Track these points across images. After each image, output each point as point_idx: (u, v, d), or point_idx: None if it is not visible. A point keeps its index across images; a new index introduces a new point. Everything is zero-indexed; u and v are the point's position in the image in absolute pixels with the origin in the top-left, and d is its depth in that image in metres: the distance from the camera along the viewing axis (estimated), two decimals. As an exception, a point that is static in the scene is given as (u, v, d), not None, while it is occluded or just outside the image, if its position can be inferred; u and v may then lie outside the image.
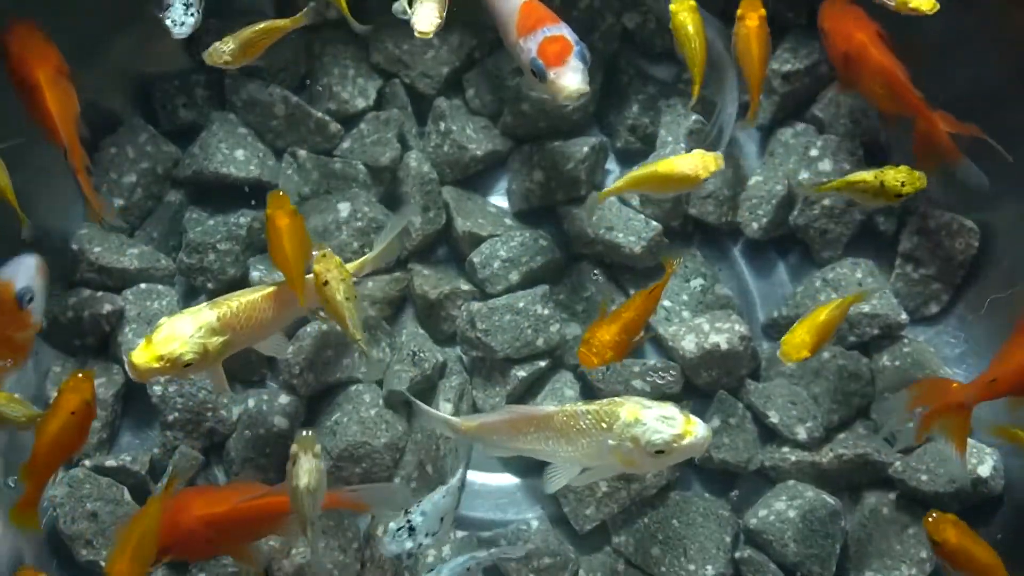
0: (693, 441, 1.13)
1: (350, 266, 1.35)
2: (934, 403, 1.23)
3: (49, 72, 1.29)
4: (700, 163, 1.30)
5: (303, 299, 1.24)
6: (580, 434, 1.18)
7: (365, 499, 1.28)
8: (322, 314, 1.36)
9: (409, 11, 1.30)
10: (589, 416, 1.17)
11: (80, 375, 1.21)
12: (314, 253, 1.24)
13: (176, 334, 1.16)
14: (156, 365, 1.15)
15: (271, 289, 1.27)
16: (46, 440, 1.19)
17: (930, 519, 1.22)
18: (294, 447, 1.15)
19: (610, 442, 1.15)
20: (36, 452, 1.20)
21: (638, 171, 1.35)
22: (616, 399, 1.17)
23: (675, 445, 1.13)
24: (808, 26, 1.52)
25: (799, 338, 1.26)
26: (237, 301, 1.22)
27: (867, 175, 1.33)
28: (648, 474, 1.38)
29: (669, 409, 1.14)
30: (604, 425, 1.16)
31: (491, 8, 1.40)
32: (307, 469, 1.14)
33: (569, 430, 1.18)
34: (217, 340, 1.19)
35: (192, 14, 1.31)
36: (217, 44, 1.31)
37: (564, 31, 1.26)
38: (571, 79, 1.23)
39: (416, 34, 1.27)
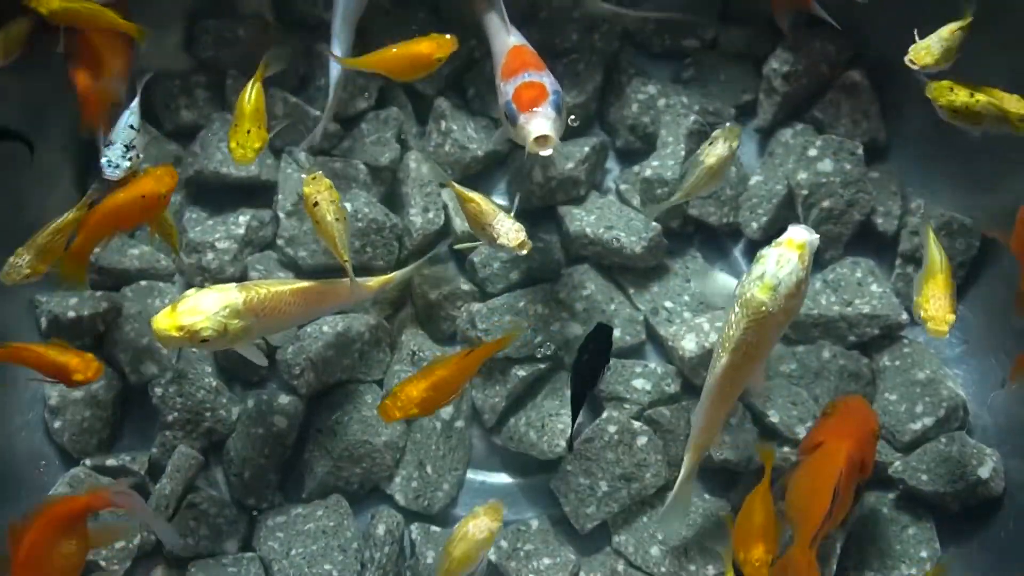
0: (810, 247, 1.16)
1: (374, 281, 1.38)
2: None
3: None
4: None
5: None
6: (762, 341, 1.18)
7: (134, 509, 1.27)
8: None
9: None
10: (744, 330, 1.16)
11: (169, 170, 1.27)
12: (303, 176, 1.28)
13: (201, 308, 1.17)
14: (175, 334, 1.15)
15: (300, 285, 1.28)
16: (109, 205, 1.26)
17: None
18: (307, 190, 1.26)
19: (780, 319, 1.17)
20: (97, 211, 1.27)
21: None
22: (738, 302, 1.17)
23: (807, 262, 1.16)
24: (808, 26, 1.53)
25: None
26: (266, 290, 1.23)
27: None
28: (648, 474, 1.38)
29: (768, 257, 1.16)
30: (763, 313, 1.14)
31: (487, 41, 1.40)
32: (328, 202, 1.25)
33: (754, 354, 1.19)
34: (238, 323, 1.19)
35: (130, 158, 1.32)
36: (11, 260, 1.29)
37: (544, 79, 1.25)
38: (538, 125, 1.21)
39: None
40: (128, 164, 1.30)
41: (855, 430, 1.23)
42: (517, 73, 1.26)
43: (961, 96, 1.27)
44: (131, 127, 1.33)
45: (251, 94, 1.32)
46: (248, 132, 1.29)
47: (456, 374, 1.25)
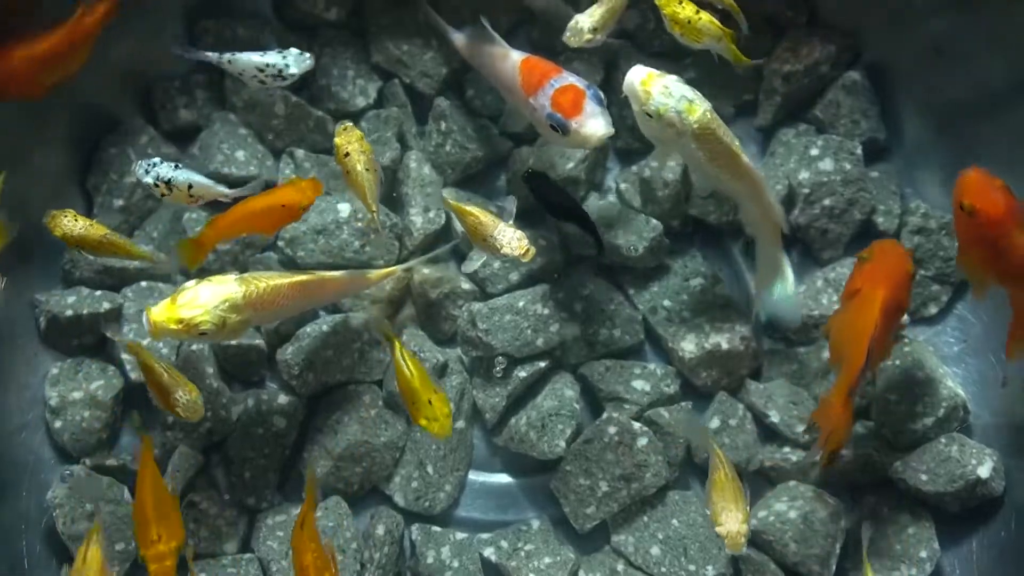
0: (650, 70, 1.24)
1: (375, 273, 1.38)
2: None
3: None
4: None
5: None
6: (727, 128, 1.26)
7: None
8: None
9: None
10: (724, 134, 1.24)
11: (315, 183, 1.26)
12: (336, 127, 1.29)
13: (200, 302, 1.17)
14: (173, 327, 1.16)
15: (299, 278, 1.28)
16: (248, 207, 1.24)
17: None
18: (338, 140, 1.27)
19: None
20: (236, 211, 1.24)
21: None
22: (699, 140, 1.23)
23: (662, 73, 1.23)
24: (808, 25, 1.53)
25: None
26: (266, 283, 1.23)
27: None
28: (648, 474, 1.38)
29: (658, 102, 1.21)
30: (713, 117, 1.22)
31: (488, 72, 1.39)
32: (359, 152, 1.26)
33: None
34: (236, 317, 1.19)
35: (156, 185, 1.28)
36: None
37: (572, 79, 1.25)
38: (594, 125, 1.22)
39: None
40: (149, 184, 1.28)
41: (890, 274, 1.24)
42: (542, 84, 1.26)
43: (687, 11, 1.31)
44: (202, 181, 1.29)
45: (409, 367, 1.25)
46: (430, 403, 1.23)
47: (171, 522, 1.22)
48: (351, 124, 1.30)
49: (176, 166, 1.29)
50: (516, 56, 1.34)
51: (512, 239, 1.26)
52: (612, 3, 1.34)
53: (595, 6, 1.34)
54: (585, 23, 1.33)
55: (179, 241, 1.27)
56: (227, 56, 1.34)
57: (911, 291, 1.27)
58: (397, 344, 1.26)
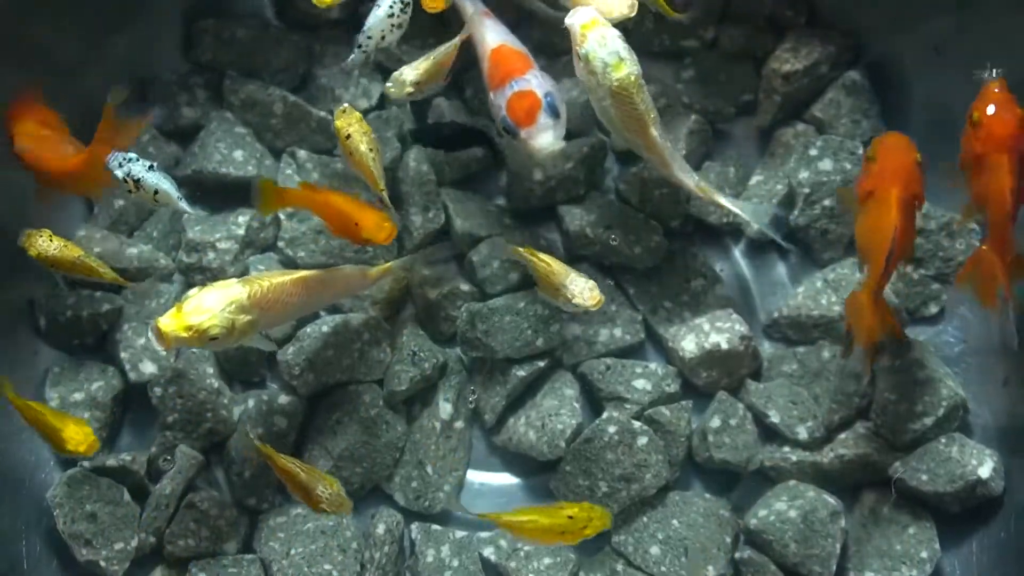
0: (598, 15, 1.24)
1: (375, 269, 1.38)
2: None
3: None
4: None
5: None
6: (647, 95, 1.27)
7: None
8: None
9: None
10: (641, 102, 1.25)
11: (391, 231, 1.26)
12: (333, 109, 1.30)
13: (206, 307, 1.17)
14: (183, 335, 1.16)
15: (301, 275, 1.28)
16: (334, 200, 1.28)
17: None
18: (338, 123, 1.27)
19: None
20: (326, 196, 1.28)
21: None
22: (615, 98, 1.23)
23: (608, 23, 1.24)
24: (808, 25, 1.53)
25: None
26: (268, 282, 1.24)
27: None
28: (648, 474, 1.38)
29: (590, 48, 1.22)
30: (636, 80, 1.23)
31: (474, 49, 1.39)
32: (361, 134, 1.27)
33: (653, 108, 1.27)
34: (244, 318, 1.20)
35: (124, 180, 1.26)
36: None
37: (533, 83, 1.25)
38: (542, 139, 1.22)
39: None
40: (118, 175, 1.26)
41: (898, 169, 1.23)
42: (504, 83, 1.25)
43: None
44: (169, 190, 1.28)
45: (527, 519, 1.23)
46: (570, 517, 1.22)
47: None
48: (349, 106, 1.30)
49: (151, 167, 1.28)
50: (490, 42, 1.34)
51: (584, 289, 1.26)
52: (436, 60, 1.35)
53: (421, 59, 1.35)
54: (408, 76, 1.34)
55: (263, 180, 1.28)
56: (364, 35, 1.32)
57: (922, 180, 1.25)
58: (509, 517, 1.24)
